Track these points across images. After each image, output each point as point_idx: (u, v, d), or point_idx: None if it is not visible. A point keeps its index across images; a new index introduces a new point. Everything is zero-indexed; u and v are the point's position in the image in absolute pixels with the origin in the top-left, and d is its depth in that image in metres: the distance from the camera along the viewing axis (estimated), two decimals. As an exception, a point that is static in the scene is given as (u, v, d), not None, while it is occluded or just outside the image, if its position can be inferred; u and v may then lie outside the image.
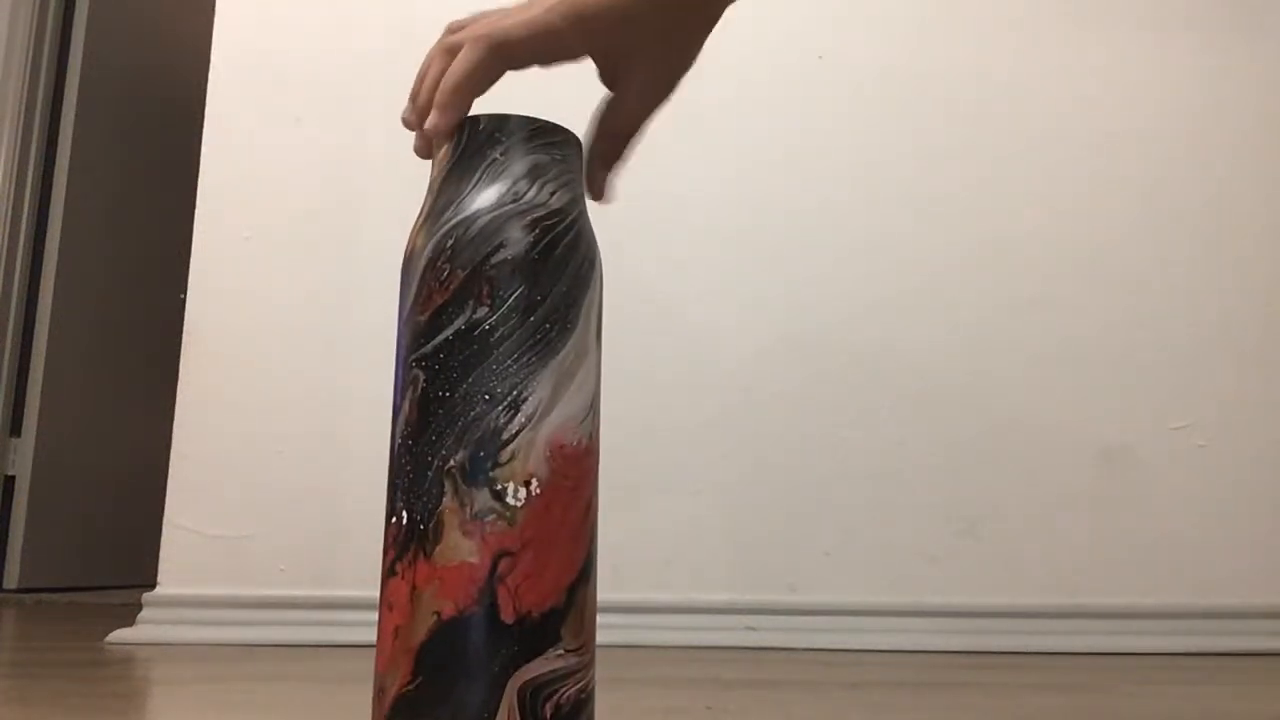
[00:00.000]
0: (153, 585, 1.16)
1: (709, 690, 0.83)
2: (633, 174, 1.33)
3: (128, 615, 1.18)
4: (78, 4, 2.28)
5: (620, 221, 1.28)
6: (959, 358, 1.25)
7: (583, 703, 0.38)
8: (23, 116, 2.17)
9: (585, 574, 0.39)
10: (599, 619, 0.94)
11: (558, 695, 0.37)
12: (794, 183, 1.29)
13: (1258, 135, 1.32)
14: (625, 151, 0.45)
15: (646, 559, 1.19)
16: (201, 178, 1.25)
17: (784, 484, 1.22)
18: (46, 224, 2.21)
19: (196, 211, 1.25)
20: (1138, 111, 1.32)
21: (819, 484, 1.22)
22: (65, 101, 2.24)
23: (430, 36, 0.46)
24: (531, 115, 0.42)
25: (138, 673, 0.91)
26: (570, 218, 0.41)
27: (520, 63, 0.43)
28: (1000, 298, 1.27)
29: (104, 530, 2.24)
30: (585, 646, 0.38)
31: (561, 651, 0.37)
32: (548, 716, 0.36)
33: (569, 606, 0.38)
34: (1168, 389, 1.25)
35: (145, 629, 1.12)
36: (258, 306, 1.23)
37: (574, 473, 0.39)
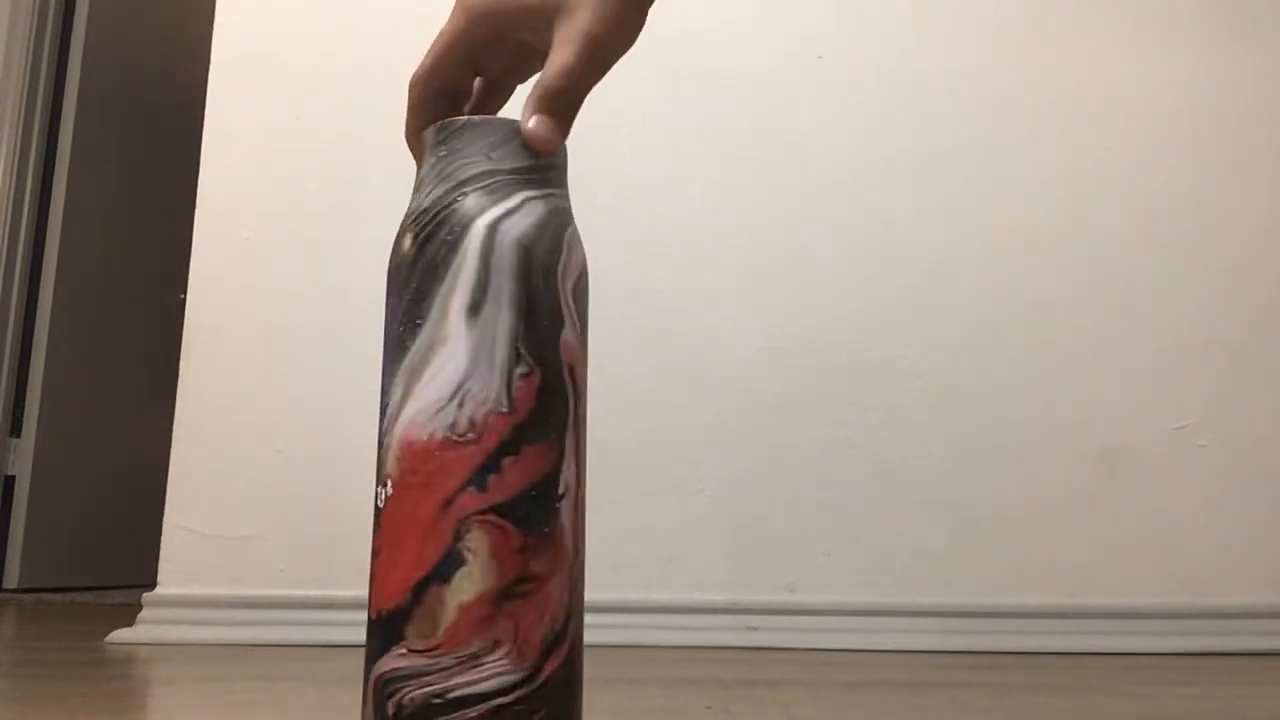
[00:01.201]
0: (153, 585, 1.16)
1: (709, 690, 0.83)
2: (633, 173, 1.34)
3: (128, 615, 1.18)
4: (78, 4, 2.29)
5: (621, 222, 1.28)
6: (959, 358, 1.25)
7: (435, 708, 0.36)
8: (23, 116, 2.17)
9: (442, 573, 0.37)
10: (599, 619, 0.93)
11: (400, 694, 0.37)
12: (794, 182, 1.29)
13: (1258, 135, 1.32)
14: (559, 109, 0.42)
15: (646, 559, 1.19)
16: (201, 178, 1.25)
17: (784, 484, 1.22)
18: (46, 224, 2.21)
19: (196, 211, 1.25)
20: (1137, 111, 1.32)
21: (819, 484, 1.22)
22: (65, 101, 2.25)
23: (430, 35, 0.47)
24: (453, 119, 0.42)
25: (138, 673, 0.91)
26: (435, 211, 0.40)
27: (447, 77, 0.44)
28: (1000, 298, 1.27)
29: (104, 530, 2.24)
30: (442, 648, 0.36)
31: (404, 651, 0.37)
32: (389, 714, 0.37)
33: (414, 605, 0.37)
34: (1168, 389, 1.25)
35: (145, 629, 1.12)
36: (258, 306, 1.23)
37: (424, 469, 0.38)
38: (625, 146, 1.29)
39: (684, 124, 1.30)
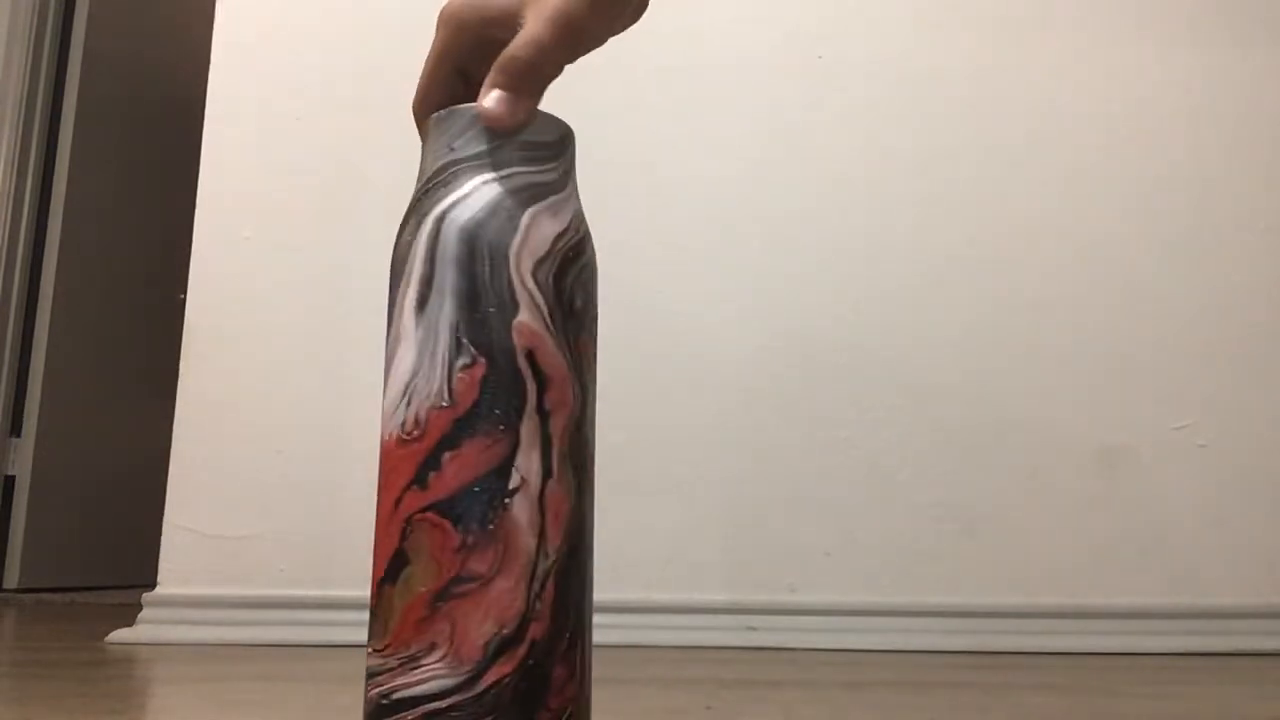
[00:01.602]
0: (153, 585, 1.16)
1: (709, 690, 0.83)
2: (633, 173, 1.34)
3: (128, 615, 1.18)
4: (78, 3, 2.29)
5: (621, 221, 1.28)
6: (959, 357, 1.25)
7: (384, 708, 0.36)
8: (23, 116, 2.17)
9: (391, 574, 0.37)
10: (599, 619, 0.92)
11: (368, 689, 0.37)
12: (794, 182, 1.29)
13: (1257, 135, 1.32)
14: (521, 81, 0.41)
15: (646, 558, 1.19)
16: (201, 177, 1.25)
17: (784, 484, 1.22)
18: (46, 224, 2.21)
19: (196, 211, 1.25)
20: (1137, 111, 1.32)
21: (819, 484, 1.22)
22: (65, 101, 2.24)
23: (429, 35, 0.46)
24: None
25: (138, 673, 0.91)
26: (406, 214, 0.40)
27: (443, 95, 0.44)
28: (1000, 297, 1.27)
29: (104, 530, 2.24)
30: (390, 649, 0.36)
31: (370, 650, 0.37)
32: (364, 710, 0.37)
33: (376, 605, 0.37)
34: (1168, 389, 1.25)
35: (145, 629, 1.12)
36: (258, 306, 1.23)
37: (384, 469, 0.38)
38: (624, 146, 1.29)
39: (684, 124, 1.30)
